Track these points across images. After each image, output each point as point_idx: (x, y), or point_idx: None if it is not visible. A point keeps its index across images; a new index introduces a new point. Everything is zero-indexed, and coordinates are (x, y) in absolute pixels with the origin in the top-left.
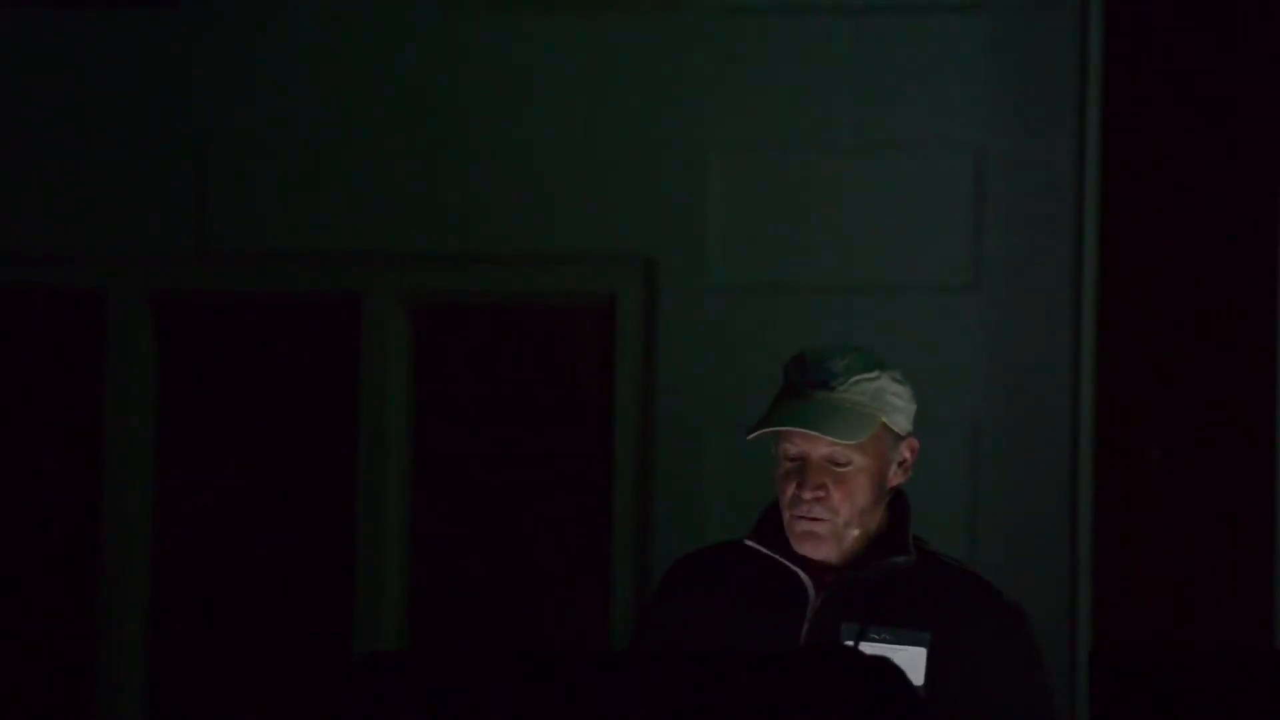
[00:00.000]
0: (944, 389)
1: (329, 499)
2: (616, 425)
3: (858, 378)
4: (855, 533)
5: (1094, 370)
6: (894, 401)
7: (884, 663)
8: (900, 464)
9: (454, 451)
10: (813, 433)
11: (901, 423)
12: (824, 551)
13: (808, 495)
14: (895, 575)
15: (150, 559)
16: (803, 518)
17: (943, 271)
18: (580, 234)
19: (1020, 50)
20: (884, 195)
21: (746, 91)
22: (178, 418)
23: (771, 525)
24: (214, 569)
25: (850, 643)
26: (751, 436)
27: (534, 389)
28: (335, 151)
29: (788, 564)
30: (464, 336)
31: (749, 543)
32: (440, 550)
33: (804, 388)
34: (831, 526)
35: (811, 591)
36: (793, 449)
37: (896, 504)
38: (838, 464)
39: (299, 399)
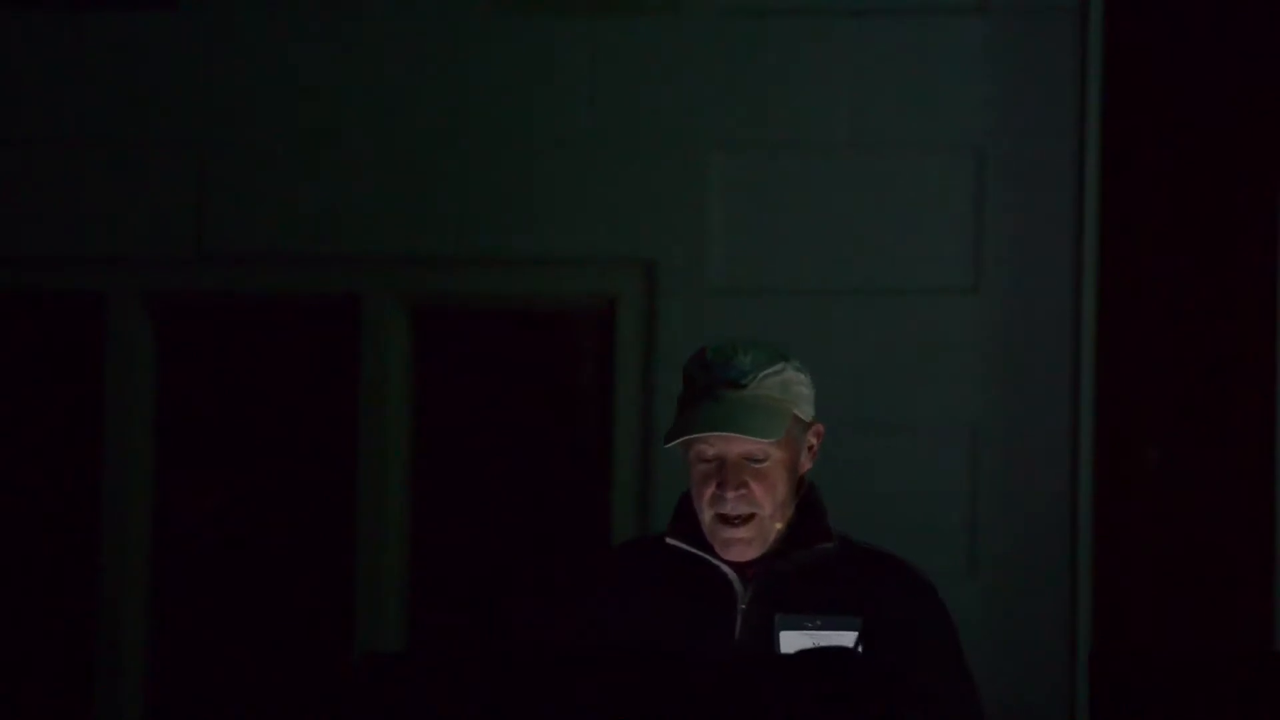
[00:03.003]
0: (944, 390)
1: (329, 500)
2: (616, 426)
3: (765, 372)
4: (778, 526)
5: (1094, 370)
6: (800, 390)
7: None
8: (809, 450)
9: (454, 453)
10: (732, 434)
11: (808, 410)
12: (752, 554)
13: (730, 494)
14: (817, 563)
15: (150, 559)
16: (726, 522)
17: (943, 273)
18: (580, 236)
19: (1020, 51)
20: (884, 196)
21: (746, 92)
22: (178, 418)
23: (690, 521)
24: (214, 569)
25: (782, 633)
26: (671, 444)
27: (534, 391)
28: (335, 153)
29: (711, 560)
30: (464, 338)
31: (671, 541)
32: (440, 550)
33: (713, 387)
34: (757, 526)
35: (739, 586)
36: (709, 450)
37: (807, 492)
38: (755, 460)
39: (299, 401)
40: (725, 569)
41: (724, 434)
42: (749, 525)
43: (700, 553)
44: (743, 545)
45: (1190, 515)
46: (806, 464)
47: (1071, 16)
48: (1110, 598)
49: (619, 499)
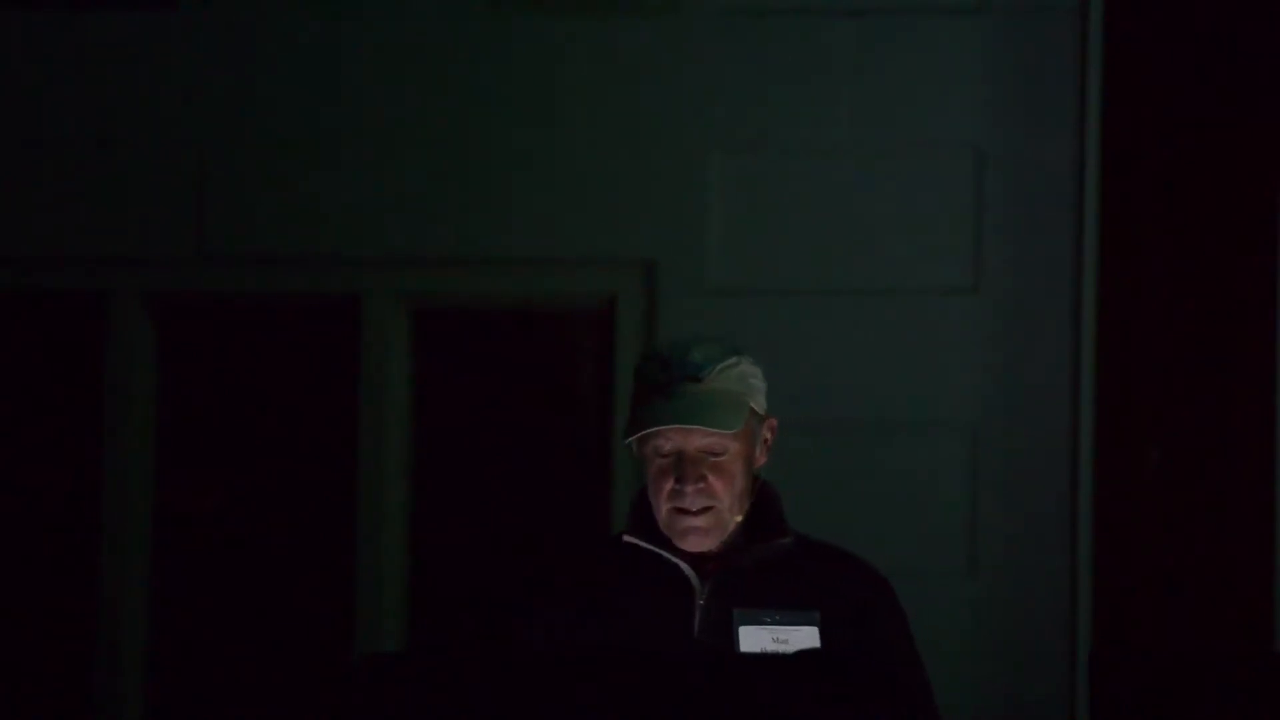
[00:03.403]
0: (944, 391)
1: (329, 500)
2: (616, 425)
3: (721, 366)
4: (737, 518)
5: (1094, 370)
6: (755, 384)
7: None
8: (764, 443)
9: (454, 453)
10: (694, 427)
11: (762, 403)
12: (710, 544)
13: (690, 488)
14: (775, 558)
15: (150, 559)
16: (684, 512)
17: (943, 273)
18: (580, 236)
19: (1020, 51)
20: (884, 197)
21: (747, 93)
22: (178, 418)
23: (647, 518)
24: (214, 569)
25: (741, 628)
26: (631, 440)
27: (534, 391)
28: (334, 153)
29: (669, 557)
30: (464, 339)
31: (628, 539)
32: (440, 551)
33: (670, 383)
34: (715, 517)
35: (696, 582)
36: (667, 445)
37: (761, 489)
38: (714, 454)
39: (299, 401)
40: (683, 566)
41: (684, 428)
42: (707, 515)
43: (658, 549)
44: (700, 534)
45: (1190, 515)
46: (761, 458)
47: (1071, 16)
48: (1110, 598)
49: (619, 499)
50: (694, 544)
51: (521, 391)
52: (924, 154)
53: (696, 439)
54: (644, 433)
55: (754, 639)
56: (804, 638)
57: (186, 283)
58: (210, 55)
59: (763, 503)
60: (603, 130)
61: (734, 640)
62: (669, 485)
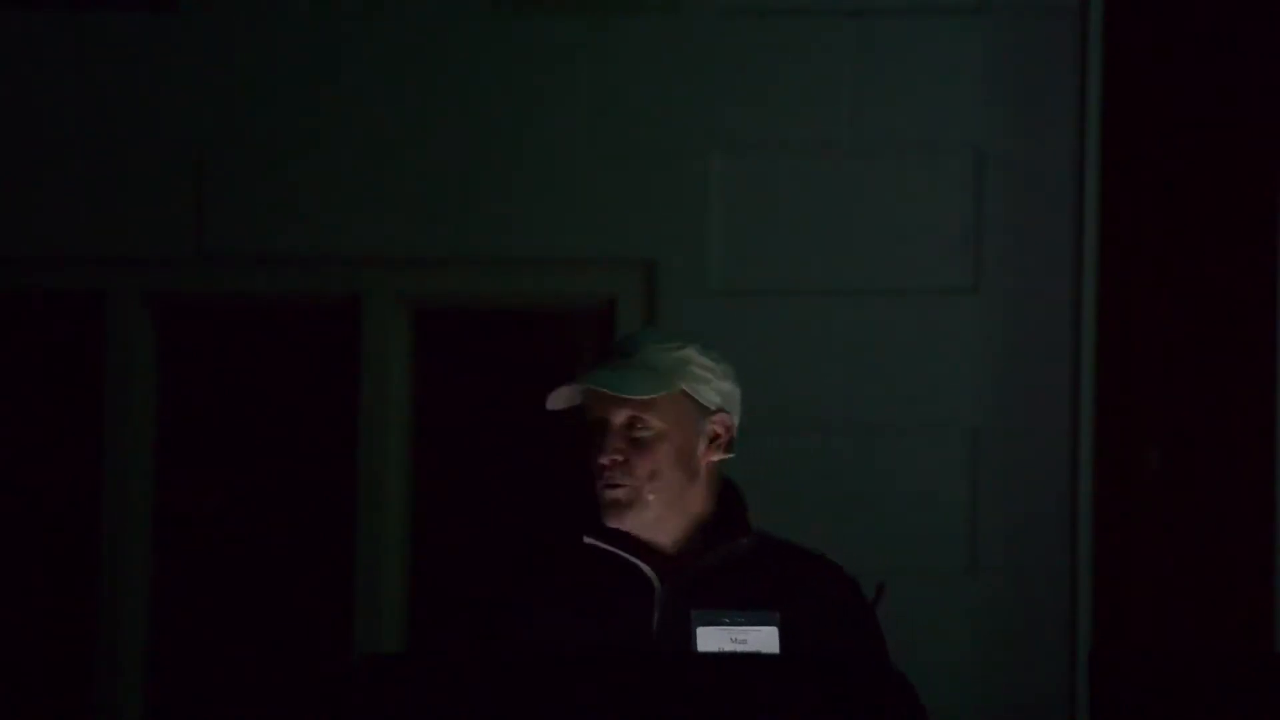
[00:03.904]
0: (944, 391)
1: (329, 500)
2: None
3: (657, 346)
4: (653, 498)
5: (1094, 370)
6: (698, 372)
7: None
8: (713, 440)
9: (454, 453)
10: (600, 390)
11: (709, 396)
12: (628, 521)
13: (604, 460)
14: (736, 558)
15: (150, 559)
16: (606, 486)
17: (942, 273)
18: (580, 236)
19: (1020, 52)
20: (884, 197)
21: (747, 93)
22: (178, 418)
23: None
24: (214, 569)
25: (699, 629)
26: (550, 407)
27: (534, 391)
28: (335, 153)
29: (629, 558)
30: (464, 339)
31: (588, 540)
32: (440, 551)
33: (604, 357)
34: (630, 492)
35: (656, 582)
36: (590, 415)
37: (725, 490)
38: (635, 429)
39: (299, 401)
40: (643, 566)
41: (602, 392)
42: (624, 488)
43: (617, 550)
44: (618, 509)
45: (1190, 515)
46: (712, 453)
47: (1071, 16)
48: (1110, 598)
49: None
50: (614, 519)
51: (521, 391)
52: (924, 154)
53: (618, 412)
54: (559, 395)
55: (712, 639)
56: (763, 638)
57: (186, 283)
58: (210, 55)
59: (725, 501)
60: (603, 130)
61: (692, 641)
62: (594, 459)
